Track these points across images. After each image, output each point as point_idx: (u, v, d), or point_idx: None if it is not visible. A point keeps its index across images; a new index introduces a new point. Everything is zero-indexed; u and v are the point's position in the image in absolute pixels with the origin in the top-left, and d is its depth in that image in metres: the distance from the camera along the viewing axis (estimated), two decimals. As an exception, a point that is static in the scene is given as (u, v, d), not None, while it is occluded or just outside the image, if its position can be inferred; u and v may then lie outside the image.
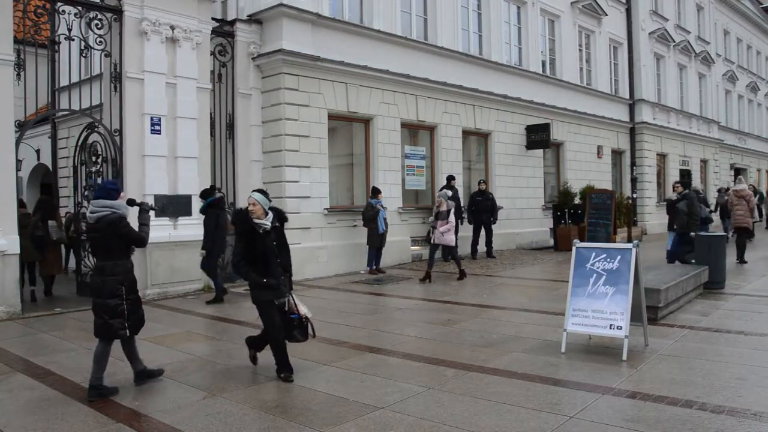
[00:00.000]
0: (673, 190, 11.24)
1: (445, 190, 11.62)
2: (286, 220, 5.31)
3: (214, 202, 9.31)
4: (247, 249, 5.00)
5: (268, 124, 11.42)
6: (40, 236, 9.52)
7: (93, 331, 4.90)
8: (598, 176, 19.62)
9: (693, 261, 9.79)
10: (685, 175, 13.95)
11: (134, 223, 5.01)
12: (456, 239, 11.06)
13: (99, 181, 5.16)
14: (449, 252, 11.15)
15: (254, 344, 5.44)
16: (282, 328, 5.11)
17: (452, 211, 10.70)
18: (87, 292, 9.47)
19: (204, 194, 9.54)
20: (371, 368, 5.37)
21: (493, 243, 14.26)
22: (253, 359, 5.47)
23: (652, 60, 23.05)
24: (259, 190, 5.19)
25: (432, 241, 10.94)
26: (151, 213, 5.28)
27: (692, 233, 10.07)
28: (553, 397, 4.52)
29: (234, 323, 7.64)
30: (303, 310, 5.28)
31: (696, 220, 10.31)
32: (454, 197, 13.45)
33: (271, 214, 5.07)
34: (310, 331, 5.28)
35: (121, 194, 5.02)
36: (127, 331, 4.85)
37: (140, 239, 4.96)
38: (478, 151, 16.19)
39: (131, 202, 5.18)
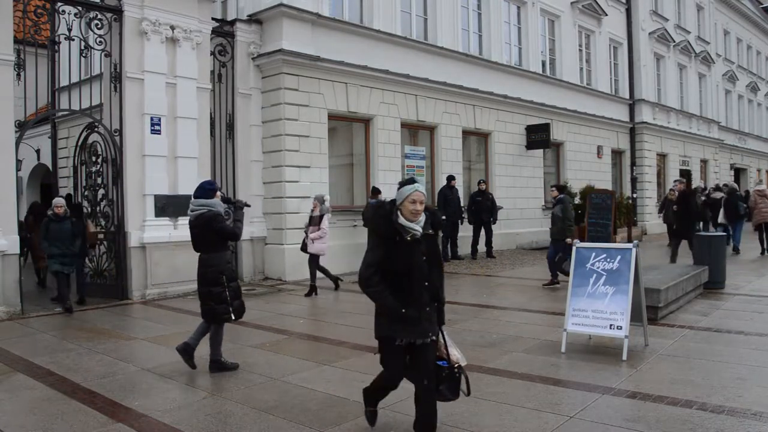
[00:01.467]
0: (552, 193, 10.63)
1: (322, 194, 9.97)
2: (440, 226, 3.82)
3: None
4: (386, 259, 3.53)
5: (268, 124, 11.42)
6: (27, 237, 10.19)
7: (203, 316, 5.37)
8: (598, 176, 19.61)
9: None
10: (563, 184, 13.03)
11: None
12: (327, 247, 9.71)
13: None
14: (314, 262, 9.55)
15: (370, 398, 3.97)
16: (399, 378, 3.72)
17: (326, 217, 9.52)
18: (87, 292, 9.51)
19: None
20: (371, 368, 5.34)
21: (493, 243, 14.26)
22: (372, 418, 3.99)
23: (652, 60, 23.05)
24: (410, 180, 3.68)
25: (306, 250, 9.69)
26: (246, 209, 5.65)
27: (568, 240, 9.42)
28: (553, 397, 4.51)
29: (234, 323, 7.62)
30: (455, 355, 3.86)
31: (571, 226, 9.71)
32: (454, 197, 13.47)
33: (423, 216, 3.60)
34: (463, 386, 3.75)
35: (217, 193, 5.39)
36: (232, 315, 5.29)
37: (234, 234, 5.38)
38: (478, 151, 16.19)
39: (226, 200, 5.59)
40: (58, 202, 8.51)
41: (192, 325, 7.43)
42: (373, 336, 3.65)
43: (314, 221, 9.44)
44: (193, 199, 5.34)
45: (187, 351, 5.33)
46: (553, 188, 10.51)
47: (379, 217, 3.60)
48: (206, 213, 5.19)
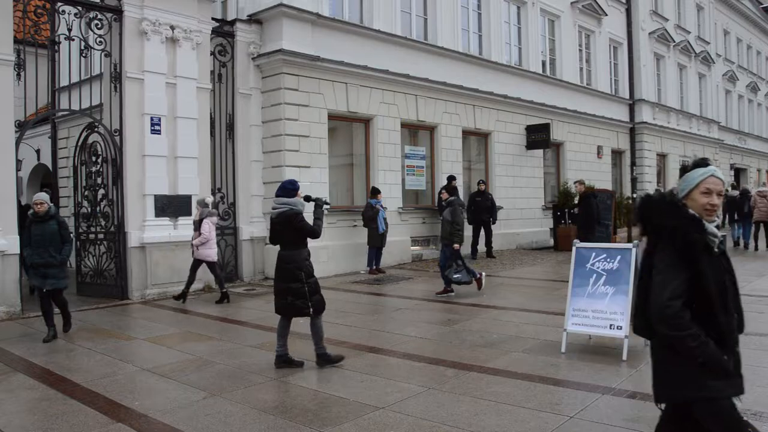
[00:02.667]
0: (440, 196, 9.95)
1: (206, 197, 9.42)
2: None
3: None
4: (693, 285, 2.40)
5: (268, 124, 11.42)
6: None
7: (278, 311, 5.52)
8: (598, 176, 19.59)
9: (456, 276, 8.90)
10: (452, 180, 12.62)
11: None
12: (215, 252, 9.19)
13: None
14: (210, 269, 9.16)
15: None
16: None
17: (208, 220, 8.94)
18: (87, 292, 9.52)
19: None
20: (371, 368, 5.37)
21: (493, 243, 14.26)
22: None
23: (652, 60, 23.05)
24: (702, 162, 2.61)
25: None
26: (326, 208, 5.79)
27: (455, 245, 8.95)
28: (553, 397, 4.52)
29: (234, 323, 7.64)
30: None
31: (459, 231, 9.06)
32: (455, 198, 13.45)
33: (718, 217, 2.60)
34: None
35: (299, 192, 5.55)
36: (311, 309, 5.38)
37: (313, 232, 5.53)
38: (478, 151, 16.19)
39: (307, 199, 5.72)
40: (39, 197, 6.79)
41: (192, 325, 7.46)
42: (657, 395, 2.57)
43: (196, 226, 9.07)
44: (275, 197, 5.52)
45: (283, 360, 5.44)
46: (444, 190, 9.68)
47: (679, 217, 2.44)
48: (287, 211, 5.37)
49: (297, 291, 5.35)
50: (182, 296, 8.90)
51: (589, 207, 10.36)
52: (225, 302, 8.88)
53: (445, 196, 9.52)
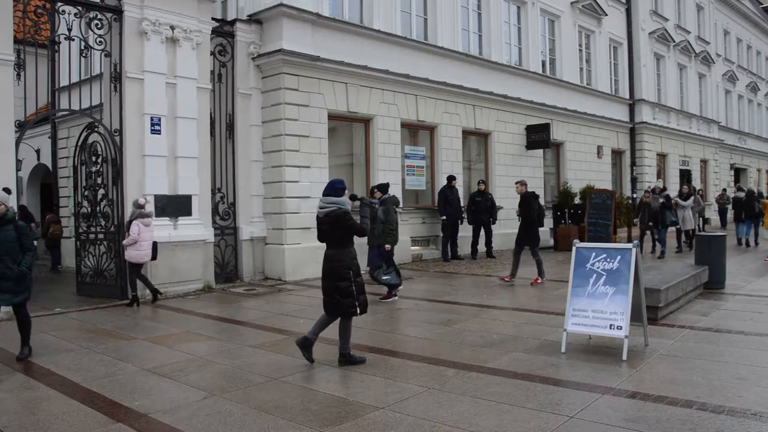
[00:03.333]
0: (372, 196, 9.23)
1: (140, 199, 9.05)
2: None
3: None
4: None
5: (268, 124, 11.42)
6: None
7: (325, 310, 5.51)
8: (598, 176, 19.62)
9: (386, 278, 8.67)
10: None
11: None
12: (147, 254, 8.87)
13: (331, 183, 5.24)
14: (135, 271, 8.87)
15: None
16: None
17: (138, 222, 8.66)
18: (87, 292, 9.52)
19: None
20: (371, 368, 5.37)
21: (493, 243, 14.26)
22: None
23: (652, 60, 23.05)
24: None
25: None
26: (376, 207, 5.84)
27: (387, 246, 8.71)
28: (553, 397, 4.51)
29: (234, 323, 7.65)
30: None
31: (393, 231, 8.76)
32: (454, 197, 13.47)
33: None
34: None
35: (345, 191, 5.61)
36: (358, 309, 5.40)
37: (362, 230, 5.60)
38: (478, 151, 16.19)
39: (353, 198, 5.75)
40: None
41: (192, 325, 7.46)
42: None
43: (127, 227, 8.88)
44: (322, 196, 5.55)
45: (305, 345, 5.45)
46: (377, 189, 9.14)
47: None
48: (336, 210, 5.39)
49: (345, 290, 5.38)
50: (134, 300, 8.75)
51: (529, 209, 10.05)
52: (135, 306, 8.66)
53: (378, 195, 9.04)
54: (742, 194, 17.05)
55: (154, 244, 8.93)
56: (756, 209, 15.89)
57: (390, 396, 4.59)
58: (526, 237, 10.22)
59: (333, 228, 5.42)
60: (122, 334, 7.07)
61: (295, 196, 11.27)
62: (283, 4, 11.05)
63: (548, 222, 17.16)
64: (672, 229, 15.00)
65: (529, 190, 10.56)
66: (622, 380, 4.86)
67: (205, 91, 10.40)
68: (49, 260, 14.06)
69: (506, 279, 10.34)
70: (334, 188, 5.51)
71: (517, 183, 10.57)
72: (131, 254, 8.74)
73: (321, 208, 5.50)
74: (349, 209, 5.48)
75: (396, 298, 8.89)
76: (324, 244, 5.56)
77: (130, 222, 8.78)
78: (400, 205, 9.23)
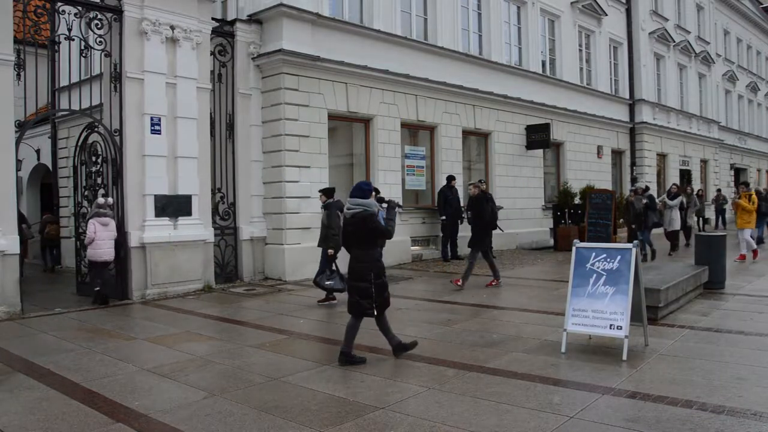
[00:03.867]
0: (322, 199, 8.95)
1: (99, 198, 9.07)
2: None
3: None
4: None
5: (268, 124, 11.42)
6: None
7: (347, 309, 5.65)
8: (598, 176, 19.62)
9: (329, 283, 8.44)
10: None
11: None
12: (107, 253, 8.86)
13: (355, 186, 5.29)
14: (96, 270, 8.82)
15: None
16: None
17: (94, 221, 8.71)
18: (87, 292, 9.51)
19: None
20: (371, 368, 5.37)
21: (493, 243, 14.21)
22: None
23: (652, 60, 23.05)
24: None
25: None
26: (398, 210, 5.89)
27: (330, 251, 8.48)
28: (553, 397, 4.51)
29: (234, 323, 7.65)
30: None
31: (335, 236, 8.29)
32: (454, 197, 13.46)
33: None
34: None
35: (372, 192, 5.70)
36: (375, 310, 5.47)
37: (387, 232, 5.65)
38: (478, 151, 16.19)
39: (380, 200, 5.85)
40: None
41: (192, 325, 7.46)
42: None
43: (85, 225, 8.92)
44: (349, 198, 5.64)
45: (347, 357, 5.49)
46: (322, 193, 9.00)
47: None
48: (362, 212, 5.48)
49: (364, 290, 5.45)
50: (99, 298, 8.81)
51: (482, 211, 9.87)
52: (98, 303, 8.77)
53: (323, 199, 8.88)
54: None
55: (117, 243, 9.03)
56: (763, 209, 16.07)
57: (390, 396, 4.59)
58: (479, 240, 9.95)
59: (358, 229, 5.49)
60: (122, 334, 7.07)
61: (295, 196, 11.27)
62: (283, 4, 11.05)
63: (548, 222, 17.21)
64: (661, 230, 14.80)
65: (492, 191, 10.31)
66: (622, 380, 4.86)
67: (205, 91, 10.39)
68: (46, 260, 14.06)
69: (458, 282, 9.87)
70: (360, 190, 5.60)
71: (470, 184, 10.35)
72: (89, 253, 8.88)
73: (348, 209, 5.57)
74: (375, 211, 5.54)
75: (335, 302, 8.62)
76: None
77: (87, 221, 8.92)
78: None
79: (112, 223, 8.98)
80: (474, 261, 10.09)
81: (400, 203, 6.14)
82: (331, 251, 8.49)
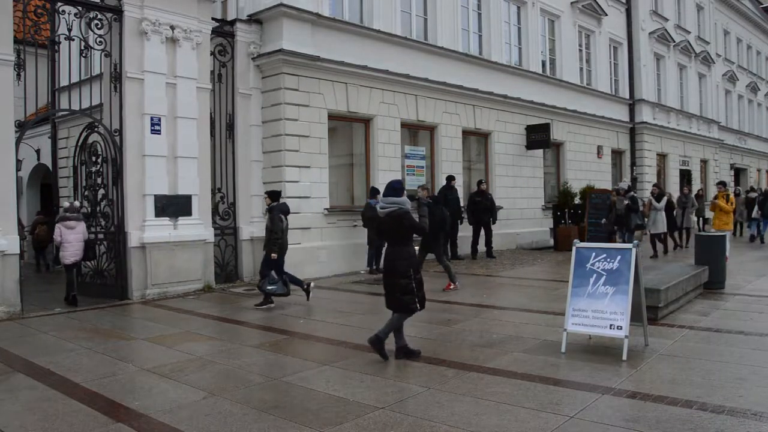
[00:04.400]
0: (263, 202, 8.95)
1: (65, 202, 9.15)
2: None
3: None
4: None
5: (268, 124, 11.42)
6: None
7: (388, 306, 5.70)
8: (598, 176, 19.62)
9: (271, 288, 8.32)
10: (275, 192, 11.37)
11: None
12: (74, 255, 8.91)
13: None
14: (66, 271, 8.89)
15: None
16: None
17: (60, 225, 8.75)
18: (87, 292, 9.52)
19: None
20: (371, 368, 5.37)
21: (493, 243, 14.26)
22: None
23: (652, 60, 23.05)
24: None
25: None
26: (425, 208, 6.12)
27: (273, 254, 8.44)
28: (553, 397, 4.51)
29: (234, 323, 7.65)
30: None
31: (278, 239, 8.46)
32: (454, 197, 13.45)
33: None
34: None
35: (404, 191, 5.80)
36: (417, 305, 5.57)
37: (423, 228, 5.87)
38: (478, 151, 16.19)
39: (411, 198, 5.96)
40: None
41: (192, 325, 7.46)
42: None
43: None
44: (382, 197, 5.80)
45: (404, 351, 5.60)
46: (267, 195, 8.97)
47: None
48: (398, 210, 5.57)
49: (405, 287, 5.53)
50: (69, 298, 8.84)
51: (431, 215, 9.51)
52: (71, 304, 8.77)
53: (267, 202, 8.90)
54: (754, 194, 18.12)
55: (86, 244, 9.13)
56: (766, 209, 16.80)
57: (390, 396, 4.59)
58: (431, 244, 9.48)
59: (394, 227, 5.60)
60: (122, 334, 7.07)
61: (295, 196, 11.26)
62: (283, 4, 11.05)
63: (548, 222, 17.20)
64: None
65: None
66: (622, 380, 4.86)
67: (205, 91, 10.40)
68: (39, 261, 14.06)
69: (451, 287, 9.65)
70: (393, 189, 5.69)
71: (419, 187, 10.03)
72: (60, 254, 9.02)
73: (382, 208, 5.67)
74: (409, 209, 5.66)
75: (272, 305, 8.52)
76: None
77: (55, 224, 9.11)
78: (290, 213, 9.02)
79: (80, 226, 9.06)
80: (446, 262, 9.82)
81: (431, 199, 6.32)
82: (274, 255, 8.46)
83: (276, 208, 8.66)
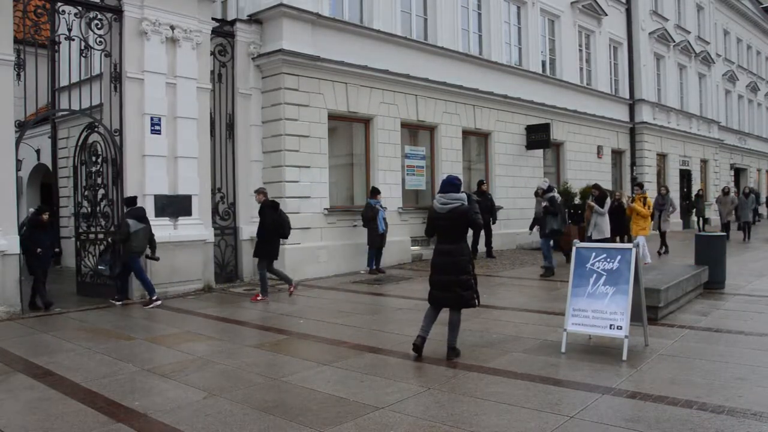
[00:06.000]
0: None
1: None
2: None
3: None
4: None
5: (268, 124, 11.42)
6: None
7: (443, 304, 5.68)
8: (598, 176, 19.55)
9: (101, 268, 8.75)
10: (131, 198, 11.39)
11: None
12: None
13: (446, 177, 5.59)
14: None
15: None
16: None
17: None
18: (87, 292, 9.52)
19: None
20: (371, 368, 5.37)
21: (493, 243, 14.26)
22: None
23: (652, 60, 23.05)
24: None
25: None
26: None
27: (154, 258, 8.87)
28: (553, 397, 4.51)
29: (234, 323, 7.64)
30: None
31: (121, 240, 8.70)
32: (484, 204, 13.41)
33: None
34: None
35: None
36: (477, 300, 5.59)
37: (482, 225, 6.02)
38: (478, 151, 16.19)
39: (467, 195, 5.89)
40: None
41: (192, 325, 7.47)
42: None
43: None
44: (441, 193, 5.69)
45: (419, 347, 5.61)
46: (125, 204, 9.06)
47: None
48: (460, 206, 5.53)
49: (466, 282, 5.51)
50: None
51: (264, 218, 9.22)
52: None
53: (259, 198, 9.38)
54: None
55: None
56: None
57: (390, 396, 4.59)
58: (260, 248, 9.26)
59: (456, 223, 5.55)
60: (122, 334, 7.07)
61: (295, 196, 11.27)
62: (283, 4, 11.05)
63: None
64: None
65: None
66: (622, 380, 4.86)
67: (205, 91, 10.40)
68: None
69: (258, 298, 9.09)
70: (453, 185, 5.63)
71: (255, 192, 9.76)
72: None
73: (443, 204, 5.57)
74: (469, 205, 5.63)
75: (159, 302, 8.72)
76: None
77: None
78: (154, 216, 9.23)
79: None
80: (264, 272, 9.25)
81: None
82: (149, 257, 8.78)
83: (128, 213, 8.80)
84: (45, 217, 8.74)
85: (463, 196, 5.63)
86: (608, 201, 11.75)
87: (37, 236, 8.60)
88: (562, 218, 11.67)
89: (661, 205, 14.63)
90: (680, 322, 6.98)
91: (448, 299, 5.60)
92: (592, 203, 11.67)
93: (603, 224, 11.47)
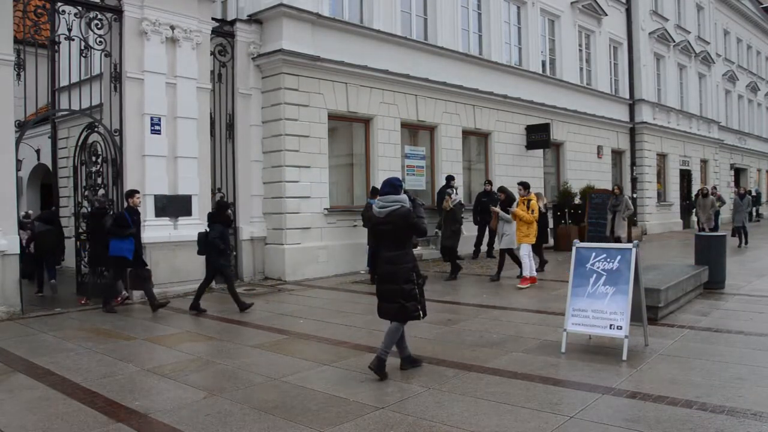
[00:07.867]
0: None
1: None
2: None
3: None
4: None
5: (268, 124, 11.42)
6: None
7: (385, 315, 5.20)
8: (598, 176, 19.62)
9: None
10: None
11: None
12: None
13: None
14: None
15: None
16: None
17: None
18: (87, 292, 9.51)
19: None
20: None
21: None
22: None
23: (652, 60, 23.05)
24: None
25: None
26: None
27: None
28: (553, 397, 4.51)
29: (234, 323, 7.64)
30: None
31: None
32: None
33: None
34: None
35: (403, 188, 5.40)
36: (421, 312, 5.15)
37: (424, 230, 5.36)
38: (478, 151, 16.20)
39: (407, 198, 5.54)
40: None
41: (192, 325, 7.46)
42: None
43: None
44: (380, 196, 5.27)
45: (408, 360, 5.29)
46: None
47: None
48: (399, 209, 5.10)
49: (409, 293, 5.07)
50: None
51: (97, 226, 8.98)
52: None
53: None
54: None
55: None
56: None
57: (390, 396, 4.59)
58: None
59: (397, 227, 5.11)
60: (122, 334, 7.07)
61: (295, 196, 11.27)
62: (283, 4, 11.05)
63: (548, 222, 17.18)
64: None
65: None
66: (622, 380, 4.86)
67: (205, 91, 10.40)
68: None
69: (116, 300, 8.78)
70: (393, 186, 5.21)
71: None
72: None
73: (381, 208, 5.16)
74: (410, 207, 5.23)
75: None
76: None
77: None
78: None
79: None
80: (117, 279, 8.71)
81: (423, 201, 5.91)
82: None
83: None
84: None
85: (404, 197, 5.22)
86: (515, 204, 10.41)
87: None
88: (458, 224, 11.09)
89: (615, 206, 13.56)
90: (680, 322, 6.98)
91: (387, 310, 5.16)
92: (497, 209, 10.65)
93: (509, 233, 10.38)
